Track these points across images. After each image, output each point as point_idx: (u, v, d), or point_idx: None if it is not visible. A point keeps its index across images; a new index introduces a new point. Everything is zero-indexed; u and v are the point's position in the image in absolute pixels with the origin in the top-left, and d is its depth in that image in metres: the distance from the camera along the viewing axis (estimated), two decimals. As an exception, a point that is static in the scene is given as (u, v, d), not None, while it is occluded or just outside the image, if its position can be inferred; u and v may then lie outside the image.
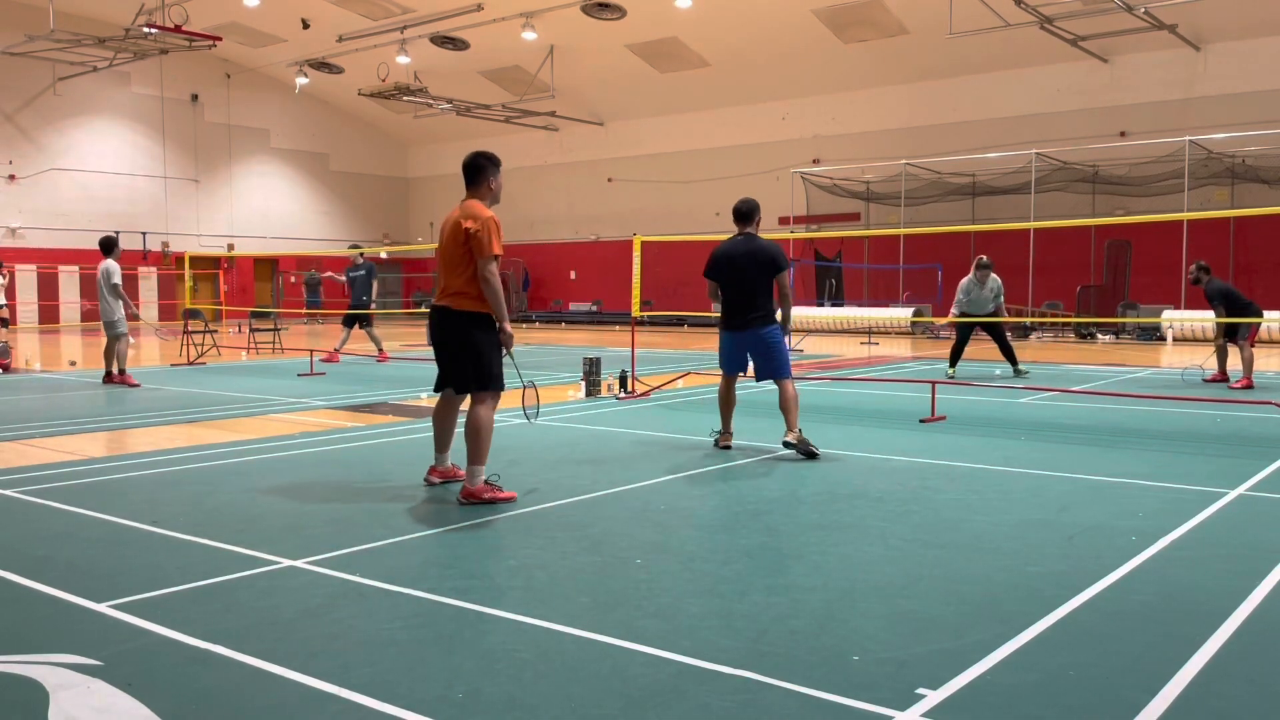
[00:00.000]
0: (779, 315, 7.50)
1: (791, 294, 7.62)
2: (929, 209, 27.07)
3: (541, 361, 16.27)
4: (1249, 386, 11.60)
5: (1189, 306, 22.64)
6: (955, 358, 13.44)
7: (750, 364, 7.62)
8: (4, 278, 17.77)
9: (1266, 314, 21.07)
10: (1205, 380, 12.29)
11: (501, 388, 5.81)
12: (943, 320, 15.45)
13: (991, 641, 3.48)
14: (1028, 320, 24.11)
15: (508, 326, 5.76)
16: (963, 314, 13.33)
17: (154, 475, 6.65)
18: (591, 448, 7.69)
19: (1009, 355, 13.45)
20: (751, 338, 7.45)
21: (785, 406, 7.28)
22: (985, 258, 13.33)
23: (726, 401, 7.71)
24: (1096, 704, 3.00)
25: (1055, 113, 26.06)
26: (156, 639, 3.57)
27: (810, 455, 7.09)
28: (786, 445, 7.17)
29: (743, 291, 7.40)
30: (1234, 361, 12.43)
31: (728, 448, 7.58)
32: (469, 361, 5.72)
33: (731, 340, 7.58)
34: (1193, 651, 3.39)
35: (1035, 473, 6.59)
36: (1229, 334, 12.12)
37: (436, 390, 6.09)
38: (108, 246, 12.56)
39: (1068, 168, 24.93)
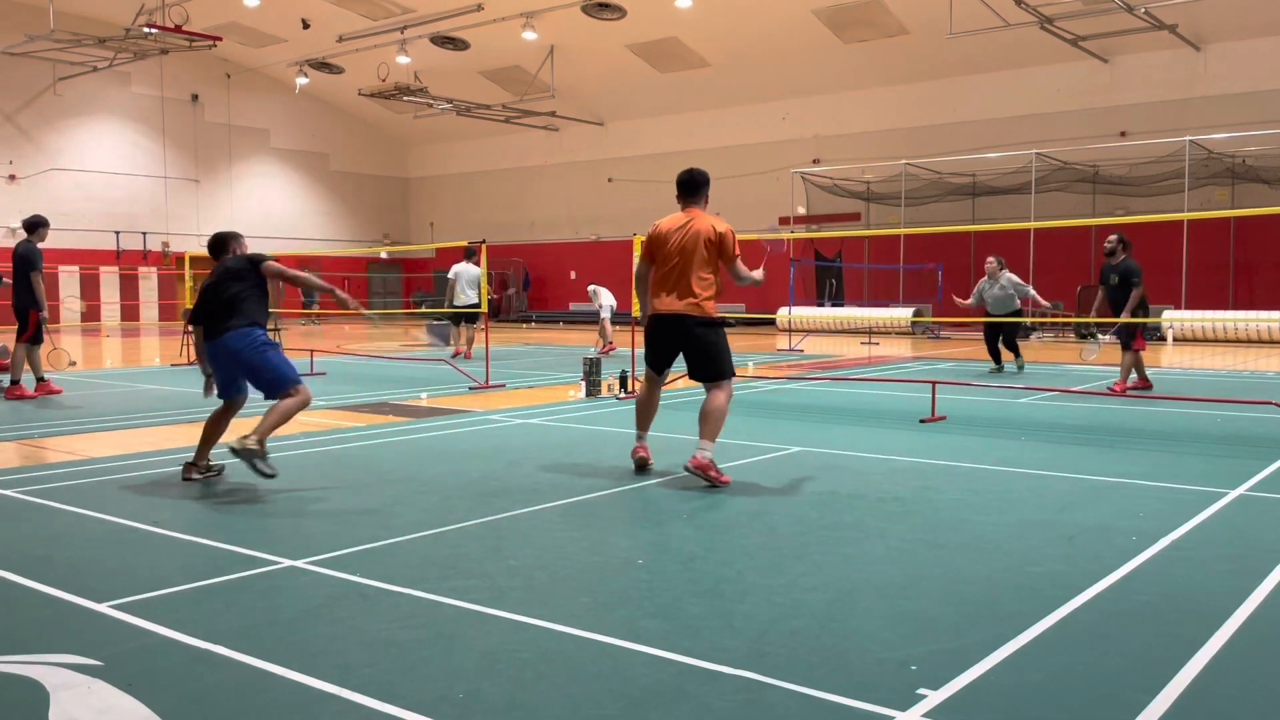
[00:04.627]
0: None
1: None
2: (929, 209, 27.08)
3: (541, 361, 16.27)
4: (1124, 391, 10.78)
5: (1189, 307, 22.63)
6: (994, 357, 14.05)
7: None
8: None
9: (1266, 314, 21.24)
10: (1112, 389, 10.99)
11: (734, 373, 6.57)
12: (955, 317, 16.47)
13: (991, 641, 3.48)
14: (1028, 320, 24.11)
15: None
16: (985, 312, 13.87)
17: (154, 475, 6.66)
18: (591, 448, 7.69)
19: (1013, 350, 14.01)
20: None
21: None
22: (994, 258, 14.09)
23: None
24: (1096, 704, 3.00)
25: (1055, 113, 26.06)
26: (157, 639, 3.57)
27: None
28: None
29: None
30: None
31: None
32: (712, 357, 6.41)
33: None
34: (1193, 651, 3.39)
35: (1035, 473, 6.58)
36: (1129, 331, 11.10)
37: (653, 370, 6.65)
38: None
39: (1068, 168, 24.93)
